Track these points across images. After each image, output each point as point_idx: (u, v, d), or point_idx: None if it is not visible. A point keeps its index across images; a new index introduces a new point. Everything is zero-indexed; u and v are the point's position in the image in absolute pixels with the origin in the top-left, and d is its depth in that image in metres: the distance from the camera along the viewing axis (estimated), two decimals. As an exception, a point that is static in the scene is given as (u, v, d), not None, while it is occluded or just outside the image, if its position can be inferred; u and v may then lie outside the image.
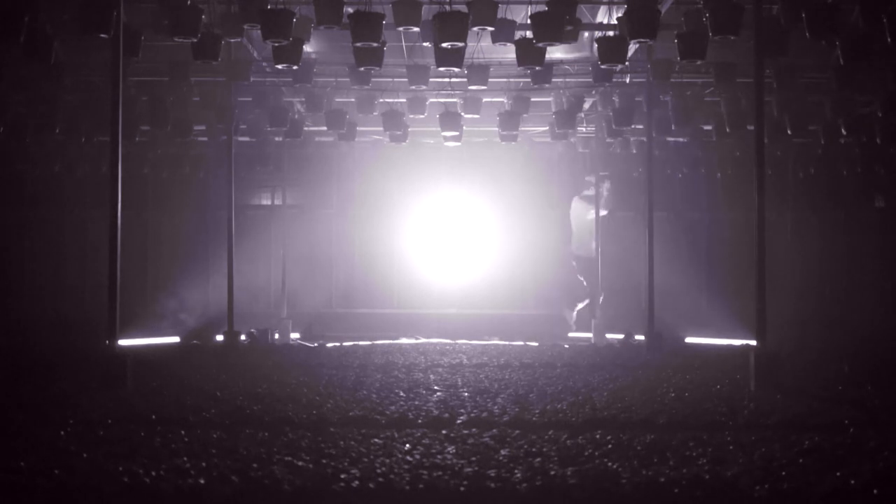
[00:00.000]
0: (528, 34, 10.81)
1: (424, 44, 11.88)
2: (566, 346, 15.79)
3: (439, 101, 15.45)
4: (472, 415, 7.63)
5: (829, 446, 6.21)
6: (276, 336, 16.65)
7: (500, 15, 10.58)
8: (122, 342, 9.98)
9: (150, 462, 5.68)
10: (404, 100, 15.14)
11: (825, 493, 5.03)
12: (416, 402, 8.34)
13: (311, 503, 5.00)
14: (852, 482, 5.21)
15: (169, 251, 19.73)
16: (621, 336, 16.43)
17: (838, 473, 5.39)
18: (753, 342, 9.64)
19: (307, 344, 16.00)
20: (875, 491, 5.07)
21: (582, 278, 19.39)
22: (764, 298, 9.45)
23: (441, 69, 11.81)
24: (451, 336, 17.32)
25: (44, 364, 11.57)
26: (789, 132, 15.08)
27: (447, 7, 10.46)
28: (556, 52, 13.06)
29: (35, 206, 19.74)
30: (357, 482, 5.24)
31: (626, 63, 11.52)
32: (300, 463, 5.71)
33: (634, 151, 18.38)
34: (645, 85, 14.21)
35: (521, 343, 16.22)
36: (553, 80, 13.77)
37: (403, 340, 16.86)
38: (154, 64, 13.24)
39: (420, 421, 7.38)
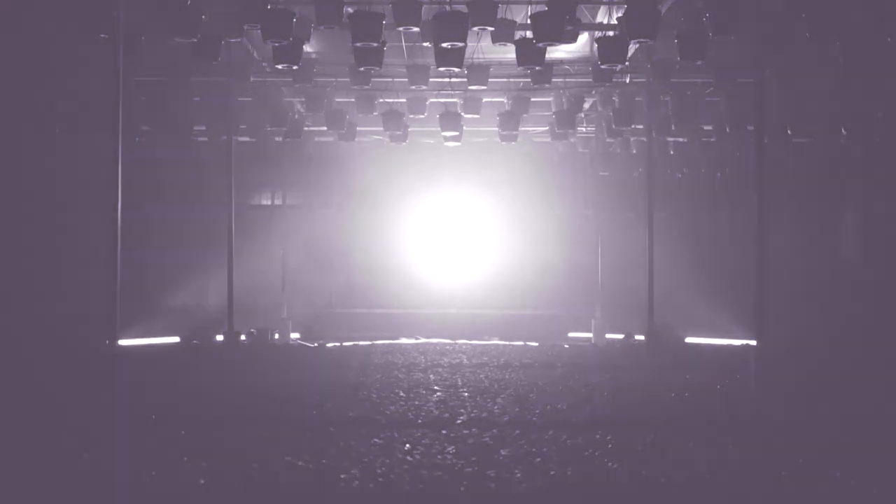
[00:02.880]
0: (528, 34, 10.82)
1: (424, 44, 11.87)
2: (566, 346, 15.78)
3: (439, 101, 15.45)
4: (472, 415, 7.63)
5: (829, 446, 6.21)
6: (276, 336, 16.64)
7: (500, 15, 10.59)
8: (122, 342, 9.98)
9: (150, 462, 5.68)
10: (404, 100, 15.14)
11: (825, 493, 5.04)
12: (416, 402, 8.34)
13: (311, 503, 5.00)
14: (852, 482, 5.22)
15: (169, 251, 19.72)
16: (621, 336, 16.44)
17: (838, 474, 5.40)
18: (753, 342, 9.64)
19: (307, 344, 15.99)
20: (875, 491, 5.09)
21: None
22: (764, 298, 9.45)
23: (441, 69, 11.81)
24: (451, 336, 17.31)
25: (43, 364, 11.56)
26: (789, 132, 15.08)
27: (447, 7, 10.46)
28: (556, 52, 13.06)
29: (35, 206, 19.73)
30: (357, 482, 5.24)
31: (626, 63, 11.53)
32: (300, 463, 5.71)
33: (634, 152, 18.38)
34: (645, 85, 14.22)
35: (521, 343, 16.21)
36: (553, 80, 13.77)
37: (403, 340, 16.85)
38: (154, 64, 13.24)
39: (420, 421, 7.38)
